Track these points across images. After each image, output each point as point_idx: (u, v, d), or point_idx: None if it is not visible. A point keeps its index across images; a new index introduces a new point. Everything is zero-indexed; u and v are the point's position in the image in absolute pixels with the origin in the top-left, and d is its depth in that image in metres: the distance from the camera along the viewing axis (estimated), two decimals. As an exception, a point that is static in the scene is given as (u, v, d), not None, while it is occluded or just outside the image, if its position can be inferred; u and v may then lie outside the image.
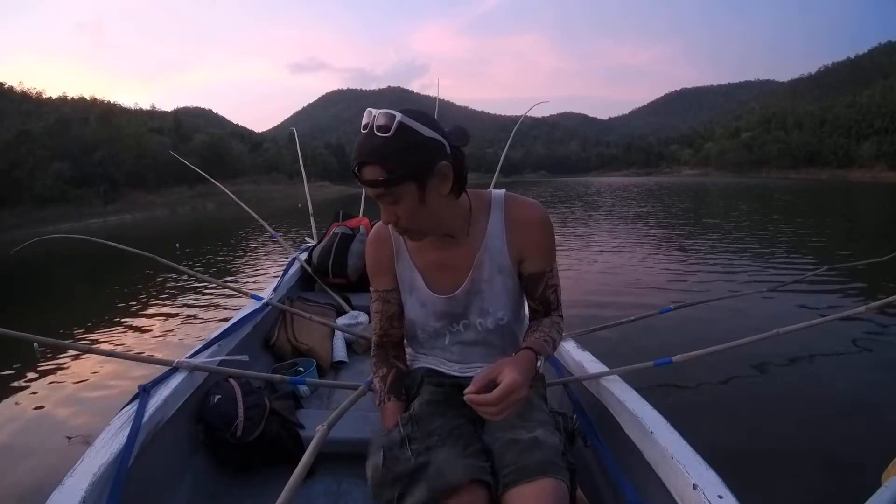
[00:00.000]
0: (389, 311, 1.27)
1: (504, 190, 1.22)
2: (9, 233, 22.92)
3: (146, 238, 18.08)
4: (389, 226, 1.10)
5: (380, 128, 0.95)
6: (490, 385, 0.95)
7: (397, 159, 0.96)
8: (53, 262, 11.55)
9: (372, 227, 3.42)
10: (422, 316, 1.23)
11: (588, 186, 46.04)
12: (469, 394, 0.94)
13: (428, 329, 1.25)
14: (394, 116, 0.95)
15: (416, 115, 0.99)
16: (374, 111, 0.98)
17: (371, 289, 1.29)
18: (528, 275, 1.19)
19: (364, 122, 0.98)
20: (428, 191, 1.02)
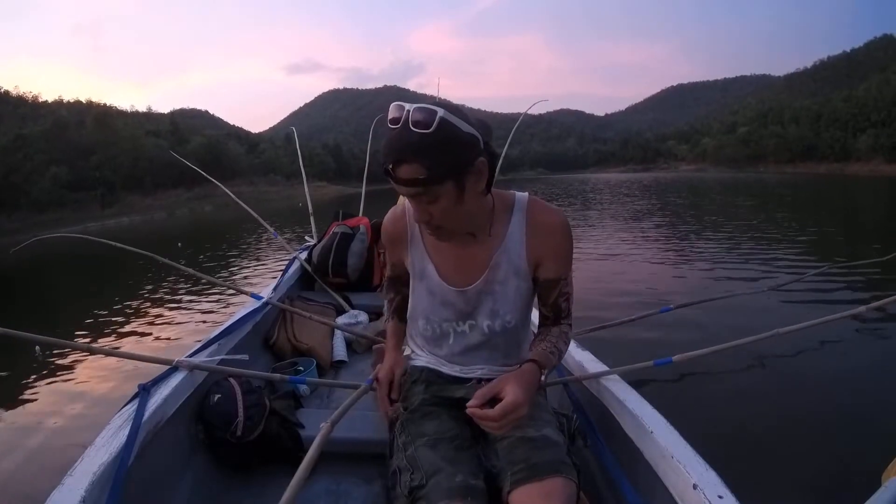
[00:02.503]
0: (398, 271, 1.33)
1: (527, 193, 1.19)
2: (7, 238, 22.86)
3: (145, 241, 18.01)
4: (415, 219, 1.07)
5: (417, 123, 0.90)
6: (493, 400, 0.96)
7: (438, 157, 0.92)
8: (54, 264, 11.53)
9: (373, 226, 3.42)
10: (429, 305, 1.22)
11: (585, 183, 46.03)
12: (471, 408, 0.96)
13: (433, 320, 1.23)
14: (435, 112, 0.91)
15: (454, 110, 0.94)
16: (407, 105, 0.93)
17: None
18: (544, 280, 1.18)
19: (393, 116, 0.94)
20: (466, 189, 0.99)
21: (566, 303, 1.21)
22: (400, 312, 1.37)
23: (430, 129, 0.90)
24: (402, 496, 1.01)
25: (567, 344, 1.21)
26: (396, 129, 0.93)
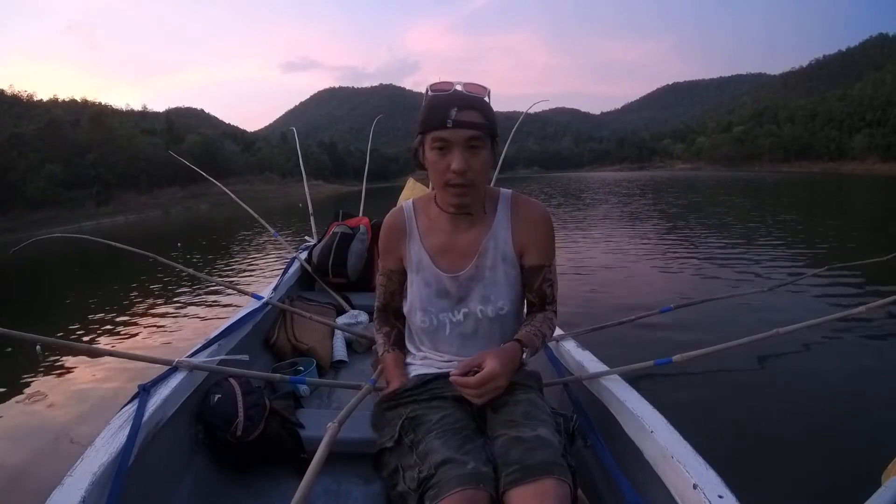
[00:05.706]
0: (391, 288, 1.39)
1: (511, 189, 1.32)
2: (2, 236, 22.76)
3: (141, 240, 17.94)
4: (454, 176, 1.13)
5: (472, 90, 1.12)
6: (475, 371, 1.07)
7: (490, 116, 1.13)
8: (52, 264, 11.51)
9: (373, 226, 3.43)
10: (426, 295, 1.28)
11: (581, 181, 45.99)
12: (454, 375, 1.07)
13: (430, 311, 1.28)
14: (485, 86, 1.14)
15: None
16: (456, 83, 1.13)
17: (380, 263, 1.40)
18: (528, 267, 1.27)
19: (441, 86, 1.13)
20: (493, 155, 1.17)
21: (550, 289, 1.31)
22: (399, 343, 1.43)
23: (486, 97, 1.14)
24: (410, 491, 1.01)
25: (552, 329, 1.31)
26: (447, 92, 1.12)
